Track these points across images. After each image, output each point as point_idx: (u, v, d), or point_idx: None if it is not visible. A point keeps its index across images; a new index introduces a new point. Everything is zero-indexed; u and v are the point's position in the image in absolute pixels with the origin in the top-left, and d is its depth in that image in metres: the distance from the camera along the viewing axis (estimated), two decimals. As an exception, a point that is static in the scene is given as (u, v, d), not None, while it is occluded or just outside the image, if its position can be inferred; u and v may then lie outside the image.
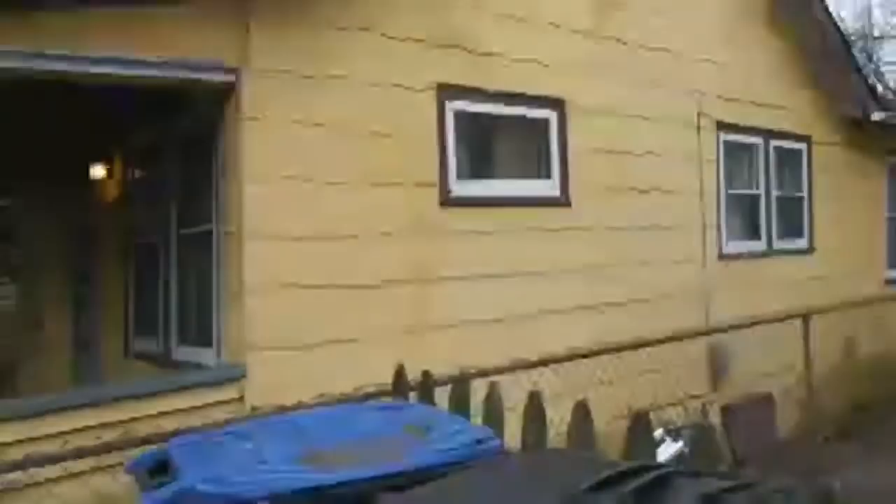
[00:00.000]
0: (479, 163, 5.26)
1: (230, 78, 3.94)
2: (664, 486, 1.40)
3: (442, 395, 3.07)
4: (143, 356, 5.40)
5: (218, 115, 4.17)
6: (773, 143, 7.50)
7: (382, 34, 4.51)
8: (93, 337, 6.49)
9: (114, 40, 3.59)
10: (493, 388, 2.55)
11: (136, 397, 3.51)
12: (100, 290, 6.50)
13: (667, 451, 3.97)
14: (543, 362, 4.35)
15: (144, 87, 3.90)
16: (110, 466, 2.96)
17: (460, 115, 4.92)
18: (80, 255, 6.84)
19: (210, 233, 4.34)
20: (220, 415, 3.36)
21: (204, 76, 3.90)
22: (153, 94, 4.16)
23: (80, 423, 3.29)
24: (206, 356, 4.27)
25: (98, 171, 6.46)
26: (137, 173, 5.99)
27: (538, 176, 5.48)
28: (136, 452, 2.47)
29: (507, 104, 5.20)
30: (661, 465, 1.53)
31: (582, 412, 2.07)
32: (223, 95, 4.05)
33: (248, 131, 3.94)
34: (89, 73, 3.56)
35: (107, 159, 6.34)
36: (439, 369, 3.30)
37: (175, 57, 3.75)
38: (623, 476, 1.39)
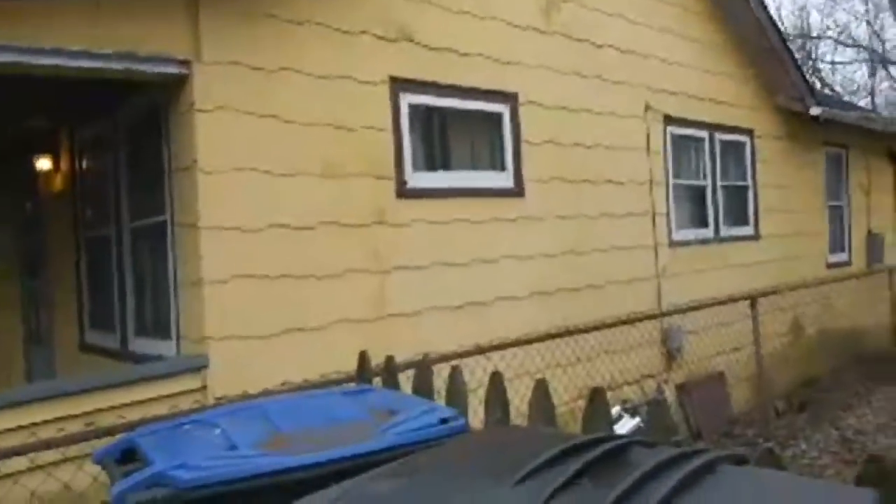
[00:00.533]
0: (434, 155, 5.32)
1: (181, 70, 3.89)
2: (622, 455, 1.48)
3: (406, 382, 3.15)
4: (99, 350, 5.31)
5: (169, 106, 4.13)
6: (718, 135, 7.76)
7: (335, 28, 4.51)
8: (45, 332, 6.35)
9: (60, 31, 3.51)
10: (455, 370, 2.63)
11: (99, 389, 3.48)
12: (51, 284, 6.35)
13: (625, 427, 4.12)
14: (503, 346, 4.47)
15: (92, 78, 3.82)
16: (77, 458, 2.95)
17: (415, 109, 4.97)
18: (28, 250, 6.67)
19: (164, 224, 4.30)
20: (183, 405, 3.36)
21: (154, 68, 3.84)
22: (101, 85, 4.08)
23: (42, 417, 3.24)
24: (164, 348, 4.24)
25: (44, 163, 6.30)
26: (86, 165, 5.86)
27: (492, 168, 5.57)
28: (101, 443, 2.47)
29: (460, 98, 5.27)
30: (618, 437, 1.61)
31: (541, 390, 2.16)
32: (174, 87, 4.00)
33: (201, 123, 3.91)
34: (32, 64, 3.47)
35: (53, 151, 6.19)
36: (402, 356, 3.37)
37: (124, 49, 3.69)
38: (582, 447, 1.46)
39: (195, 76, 3.91)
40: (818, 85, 22.31)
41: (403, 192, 4.82)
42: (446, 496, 1.37)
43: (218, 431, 2.13)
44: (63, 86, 4.07)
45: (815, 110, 8.39)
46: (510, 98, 5.57)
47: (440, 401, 2.69)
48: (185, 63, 3.90)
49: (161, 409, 3.31)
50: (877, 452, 5.44)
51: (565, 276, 5.82)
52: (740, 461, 1.48)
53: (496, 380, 2.43)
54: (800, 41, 24.50)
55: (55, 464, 3.06)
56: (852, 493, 1.43)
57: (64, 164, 6.08)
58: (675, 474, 1.28)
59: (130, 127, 4.89)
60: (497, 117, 5.54)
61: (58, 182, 6.18)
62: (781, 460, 1.78)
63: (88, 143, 5.74)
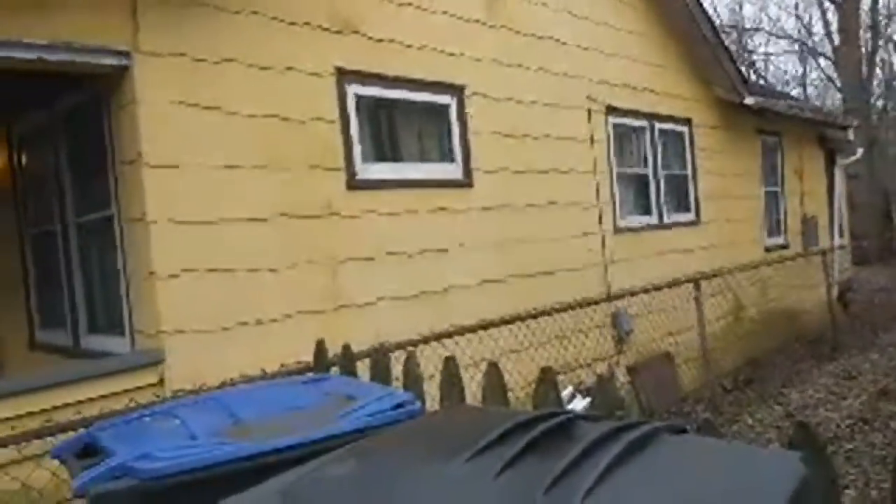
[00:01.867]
0: (384, 147, 5.36)
1: (120, 61, 3.83)
2: (568, 429, 1.57)
3: (364, 371, 3.20)
4: (51, 348, 5.21)
5: (111, 99, 4.06)
6: (658, 125, 8.01)
7: (278, 18, 4.50)
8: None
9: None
10: (410, 356, 2.70)
11: (55, 386, 3.43)
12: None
13: (577, 407, 4.26)
14: (456, 332, 4.55)
15: (28, 70, 3.73)
16: (34, 456, 2.92)
17: (362, 100, 4.99)
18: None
19: (111, 219, 4.24)
20: (141, 399, 3.35)
21: (91, 59, 3.76)
22: (39, 77, 3.99)
23: (-4, 415, 3.20)
24: (118, 344, 4.19)
25: (-19, 158, 6.10)
26: (27, 160, 5.71)
27: (441, 159, 5.64)
28: (58, 440, 2.46)
29: (407, 89, 5.32)
30: (564, 412, 1.70)
31: (494, 373, 2.24)
32: (114, 79, 3.94)
33: (144, 116, 3.86)
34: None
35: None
36: (358, 346, 3.43)
37: (61, 40, 3.62)
38: (530, 423, 1.54)
39: (135, 68, 3.85)
40: (753, 76, 23.08)
41: (354, 183, 4.86)
42: (399, 475, 1.43)
43: (178, 422, 2.15)
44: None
45: (749, 100, 8.73)
46: (457, 90, 5.65)
47: (398, 387, 2.76)
48: (124, 54, 3.83)
49: (119, 405, 3.30)
50: (812, 423, 5.75)
51: (516, 264, 5.95)
52: (680, 431, 1.59)
53: (450, 364, 2.51)
54: (735, 34, 25.26)
55: (12, 463, 3.02)
56: (781, 455, 1.56)
57: (2, 160, 5.91)
58: (617, 444, 1.37)
59: (72, 120, 4.79)
60: (444, 109, 5.61)
61: (-3, 178, 6.00)
62: (720, 430, 1.91)
63: (28, 137, 5.58)
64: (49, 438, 2.78)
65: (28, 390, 3.40)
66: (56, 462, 2.22)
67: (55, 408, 3.34)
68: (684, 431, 1.59)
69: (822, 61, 26.16)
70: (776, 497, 1.15)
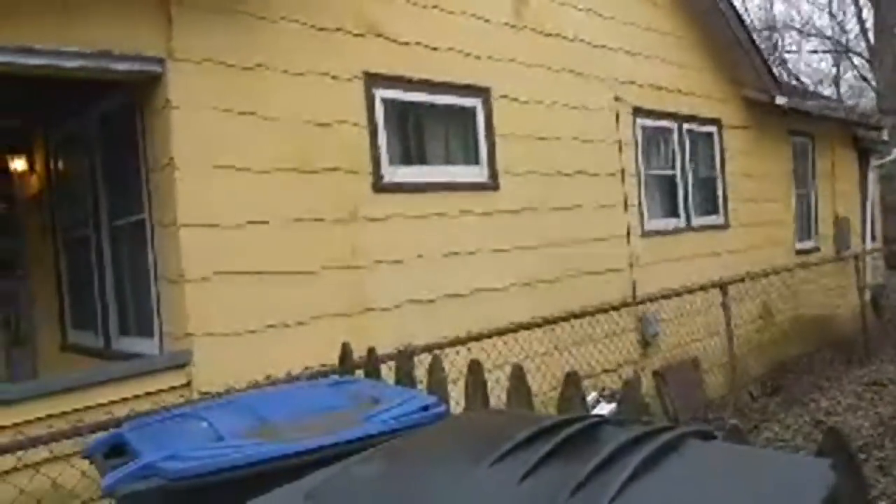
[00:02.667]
0: (410, 150, 5.38)
1: (154, 68, 3.91)
2: (594, 433, 1.56)
3: (388, 373, 3.22)
4: (82, 349, 5.31)
5: (144, 105, 4.14)
6: (686, 126, 7.91)
7: (308, 24, 4.55)
8: (26, 334, 6.32)
9: (30, 30, 3.50)
10: (435, 360, 2.70)
11: (85, 387, 3.51)
12: (30, 285, 6.31)
13: (602, 412, 4.22)
14: (481, 336, 4.54)
15: (65, 78, 3.82)
16: (65, 455, 2.98)
17: (389, 103, 5.02)
18: (6, 251, 6.60)
19: (143, 223, 4.31)
20: (169, 401, 3.40)
21: (126, 66, 3.84)
22: (75, 84, 4.08)
23: (29, 416, 3.27)
24: (147, 346, 4.26)
25: (18, 163, 6.25)
26: (62, 165, 5.83)
27: (467, 161, 5.64)
28: (88, 440, 2.51)
29: (433, 92, 5.33)
30: (590, 416, 1.69)
31: (518, 376, 2.24)
32: (148, 85, 4.01)
33: (176, 122, 3.93)
34: (6, 62, 3.46)
35: (27, 151, 6.15)
36: (382, 349, 3.44)
37: (96, 48, 3.69)
38: (556, 427, 1.54)
39: (169, 74, 3.92)
40: (784, 75, 22.71)
41: (380, 186, 4.88)
42: (424, 478, 1.43)
43: (205, 424, 2.18)
44: (36, 85, 4.06)
45: (780, 100, 8.58)
46: (483, 92, 5.65)
47: (422, 390, 2.76)
48: (158, 61, 3.91)
49: (147, 406, 3.35)
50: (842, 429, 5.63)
51: (541, 268, 5.92)
52: (707, 436, 1.57)
53: (475, 367, 2.50)
54: (766, 32, 24.90)
55: (43, 462, 3.09)
56: (810, 462, 1.54)
57: (39, 165, 6.05)
58: (644, 449, 1.36)
59: (106, 126, 4.88)
60: (470, 111, 5.61)
61: (33, 182, 6.15)
62: (747, 437, 1.88)
63: (63, 143, 5.71)
64: (79, 438, 2.83)
65: (60, 391, 3.48)
66: (86, 461, 2.26)
67: (86, 408, 3.40)
68: (712, 437, 1.57)
69: (856, 60, 25.68)
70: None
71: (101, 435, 2.51)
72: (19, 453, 2.85)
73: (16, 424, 3.21)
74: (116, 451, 2.15)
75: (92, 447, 2.22)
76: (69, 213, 5.62)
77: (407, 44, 5.12)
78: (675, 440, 1.44)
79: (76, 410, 3.36)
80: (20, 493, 3.03)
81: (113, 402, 3.46)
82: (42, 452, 2.99)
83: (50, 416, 3.30)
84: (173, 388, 3.72)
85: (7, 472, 3.02)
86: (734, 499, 1.19)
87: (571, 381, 2.08)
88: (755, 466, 1.36)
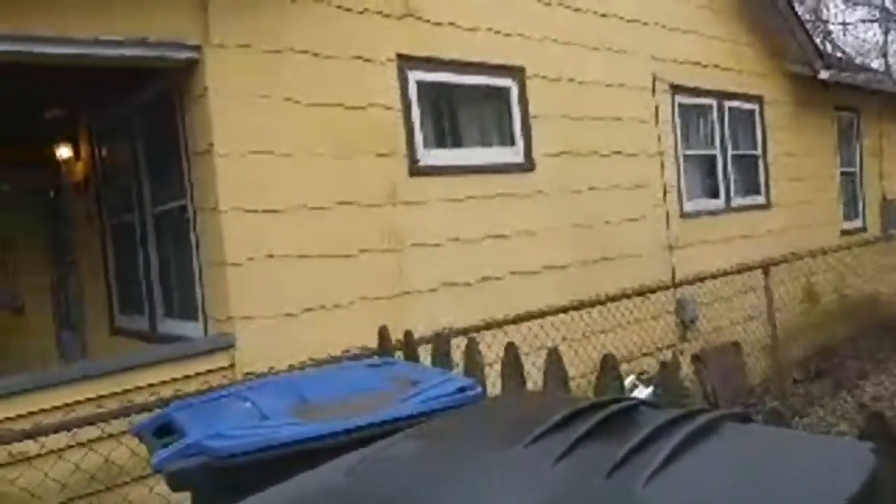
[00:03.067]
0: (444, 132, 5.37)
1: (192, 55, 3.96)
2: (630, 416, 1.56)
3: (425, 356, 3.25)
4: (129, 333, 5.47)
5: (183, 91, 4.21)
6: (727, 103, 7.72)
7: (341, 6, 4.56)
8: (76, 317, 6.53)
9: (68, 20, 3.57)
10: (471, 343, 2.72)
11: (133, 368, 3.62)
12: (80, 270, 6.52)
13: (639, 396, 4.21)
14: (517, 320, 4.55)
15: (104, 67, 3.90)
16: (115, 434, 3.10)
17: (423, 86, 5.01)
18: (56, 238, 6.82)
19: (185, 208, 4.41)
20: (213, 382, 3.49)
21: (164, 54, 3.90)
22: (115, 73, 4.17)
23: (79, 396, 3.39)
24: (192, 329, 4.37)
25: (64, 151, 6.43)
26: (106, 152, 5.98)
27: (502, 143, 5.61)
28: (137, 419, 2.60)
29: (467, 73, 5.30)
30: (627, 399, 1.70)
31: (554, 358, 2.25)
32: (187, 72, 4.07)
33: (215, 108, 3.98)
34: (41, 53, 3.53)
35: (72, 140, 6.31)
36: (419, 332, 3.48)
37: (134, 36, 3.76)
38: (592, 409, 1.54)
39: (206, 60, 3.98)
40: (829, 47, 21.96)
41: (415, 169, 4.89)
42: (461, 458, 1.45)
43: (248, 404, 2.25)
44: (78, 74, 4.15)
45: (823, 74, 8.32)
46: (517, 72, 5.60)
47: (458, 373, 2.79)
48: (195, 48, 3.96)
49: (193, 387, 3.45)
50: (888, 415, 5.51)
51: (577, 250, 5.89)
52: (745, 419, 1.56)
53: (511, 350, 2.52)
54: (809, 2, 24.07)
55: (95, 440, 3.22)
56: (852, 445, 1.52)
57: (84, 152, 6.20)
58: (681, 431, 1.36)
59: (147, 114, 4.98)
60: (505, 92, 5.58)
61: (79, 170, 6.31)
62: (788, 420, 1.87)
63: (107, 131, 5.84)
64: (128, 418, 2.94)
65: (109, 372, 3.60)
66: (135, 440, 2.35)
67: (133, 389, 3.52)
68: (750, 420, 1.57)
69: (905, 30, 24.70)
70: (844, 487, 1.12)
71: (149, 414, 2.60)
72: (74, 431, 2.97)
73: (66, 405, 3.33)
74: (164, 430, 2.23)
75: (141, 426, 2.30)
76: (114, 200, 5.77)
77: (439, 24, 5.09)
78: (712, 423, 1.43)
79: (125, 391, 3.48)
80: (76, 469, 3.17)
81: (159, 384, 3.57)
82: (93, 431, 3.11)
83: (99, 397, 3.42)
84: (218, 369, 3.82)
85: (63, 450, 3.16)
86: (771, 480, 1.19)
87: (608, 363, 2.08)
88: (793, 449, 1.35)
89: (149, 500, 3.30)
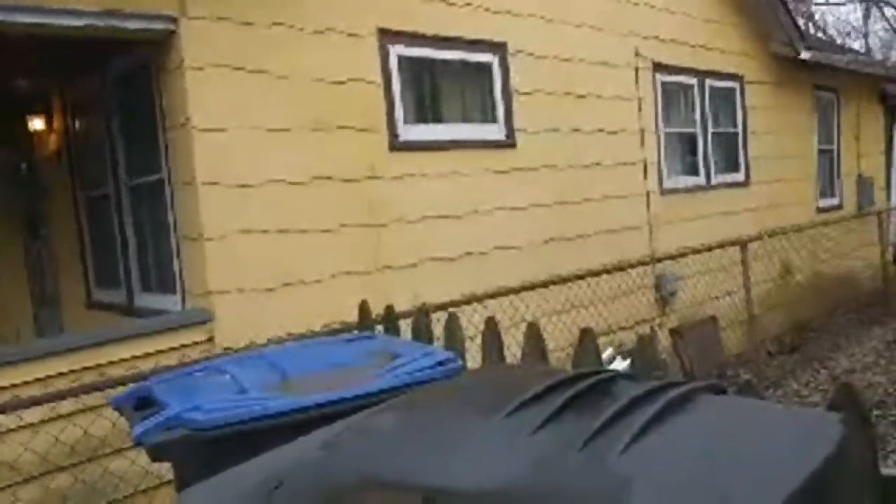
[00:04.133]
0: (425, 107, 5.35)
1: (168, 26, 3.90)
2: (607, 388, 1.58)
3: (406, 330, 3.26)
4: (106, 306, 5.42)
5: (159, 64, 4.14)
6: (708, 82, 7.76)
7: (320, -20, 4.50)
8: (52, 292, 6.46)
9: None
10: (451, 317, 2.74)
11: (110, 342, 3.61)
12: (55, 244, 6.42)
13: (617, 368, 4.26)
14: (498, 294, 4.58)
15: (79, 37, 3.82)
16: (95, 407, 3.09)
17: (404, 60, 4.97)
18: (29, 211, 6.71)
19: (161, 182, 4.36)
20: (192, 356, 3.49)
21: (139, 25, 3.84)
22: (89, 44, 4.08)
23: (56, 370, 3.38)
24: (170, 302, 4.35)
25: (37, 123, 6.29)
26: (80, 125, 5.87)
27: (484, 119, 5.60)
28: (115, 393, 2.59)
29: (449, 48, 5.27)
30: (603, 371, 1.72)
31: (533, 332, 2.26)
32: (163, 44, 4.01)
33: (192, 80, 3.93)
34: (11, 22, 3.46)
35: (45, 112, 6.18)
36: (400, 307, 3.48)
37: (106, 7, 3.68)
38: (569, 381, 1.56)
39: (183, 32, 3.92)
40: (811, 28, 22.09)
41: (396, 145, 4.87)
42: (439, 429, 1.46)
43: (228, 377, 2.24)
44: (50, 45, 4.07)
45: (805, 54, 8.37)
46: (499, 48, 5.57)
47: (439, 347, 2.81)
48: (171, 19, 3.90)
49: (171, 361, 3.44)
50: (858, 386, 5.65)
51: (559, 226, 5.91)
52: (718, 391, 1.59)
53: (491, 324, 2.54)
54: (793, -18, 24.11)
55: (75, 413, 3.21)
56: (820, 415, 1.55)
57: (58, 125, 6.08)
58: (655, 403, 1.38)
59: (122, 85, 4.90)
60: (487, 68, 5.55)
61: (52, 142, 6.20)
62: (761, 392, 1.91)
63: (81, 102, 5.73)
64: (106, 391, 2.93)
65: (85, 346, 3.58)
66: (115, 413, 2.34)
67: (110, 363, 3.51)
68: (724, 392, 1.59)
69: (887, 11, 24.88)
70: (813, 456, 1.15)
71: (129, 387, 2.59)
72: (52, 404, 2.95)
73: (43, 378, 3.31)
74: (144, 402, 2.22)
75: (120, 398, 2.30)
76: (89, 173, 5.68)
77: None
78: (686, 394, 1.45)
79: (100, 365, 3.47)
80: (56, 442, 3.16)
81: (137, 357, 3.56)
82: (73, 405, 3.10)
83: (74, 371, 3.41)
84: (196, 343, 3.81)
85: (43, 423, 3.15)
86: (742, 450, 1.21)
87: (587, 337, 2.10)
88: (764, 419, 1.38)
89: (130, 471, 3.31)
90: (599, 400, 1.49)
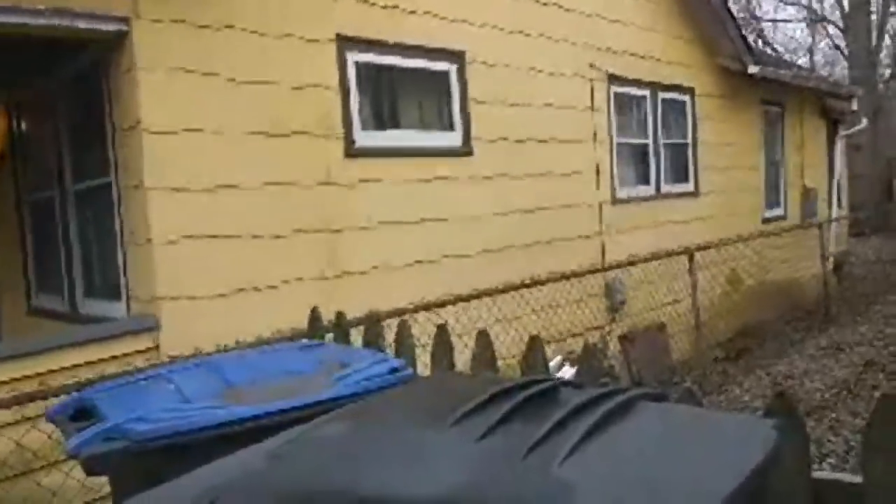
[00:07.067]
0: (383, 114, 5.34)
1: (119, 27, 3.83)
2: (551, 396, 1.60)
3: (357, 338, 3.24)
4: (48, 313, 5.27)
5: (110, 65, 4.06)
6: (660, 94, 7.95)
7: (279, -17, 4.47)
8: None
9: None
10: (402, 324, 2.73)
11: (50, 350, 3.50)
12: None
13: (566, 375, 4.31)
14: (450, 301, 4.58)
15: (26, 35, 3.72)
16: (29, 418, 2.98)
17: (362, 67, 4.96)
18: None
19: (109, 185, 4.26)
20: (136, 364, 3.40)
21: (90, 25, 3.76)
22: (37, 43, 3.97)
23: (-8, 379, 3.26)
24: (114, 309, 4.24)
25: (-22, 124, 6.08)
26: (25, 126, 5.70)
27: (441, 127, 5.62)
28: (54, 403, 2.51)
29: (407, 56, 5.28)
30: (549, 379, 1.74)
31: (484, 340, 2.28)
32: (114, 45, 3.93)
33: (144, 82, 3.86)
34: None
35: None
36: (353, 314, 3.46)
37: (60, 5, 3.60)
38: (515, 389, 1.58)
39: (135, 34, 3.85)
40: (760, 43, 22.79)
41: (352, 151, 4.85)
42: (385, 438, 1.46)
43: (172, 386, 2.19)
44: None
45: (752, 69, 8.64)
46: (457, 57, 5.61)
47: (391, 354, 2.79)
48: (123, 20, 3.83)
49: (114, 369, 3.34)
50: (798, 393, 5.81)
51: (513, 234, 5.97)
52: (659, 398, 1.62)
53: (442, 332, 2.54)
54: (742, 0, 24.88)
55: (8, 425, 3.08)
56: (754, 422, 1.60)
57: (1, 125, 5.89)
58: (597, 411, 1.41)
59: (72, 87, 4.78)
60: (444, 76, 5.58)
61: (-6, 143, 5.99)
62: (700, 399, 1.95)
63: (27, 103, 5.58)
64: (45, 401, 2.83)
65: (24, 354, 3.47)
66: (51, 425, 2.26)
67: (51, 371, 3.40)
68: (664, 399, 1.63)
69: (831, 29, 25.83)
70: (745, 462, 1.18)
71: (65, 397, 2.51)
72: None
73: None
74: (82, 413, 2.15)
75: (56, 409, 2.22)
76: (33, 176, 5.53)
77: (383, 7, 5.04)
78: (627, 402, 1.48)
79: (40, 374, 3.35)
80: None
81: (79, 366, 3.45)
82: (7, 415, 2.99)
83: (14, 380, 3.29)
84: (140, 351, 3.72)
85: (-29, 435, 3.02)
86: (678, 456, 1.24)
87: (534, 344, 2.12)
88: (702, 426, 1.41)
89: (65, 486, 3.20)
90: (544, 408, 1.50)
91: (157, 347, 3.79)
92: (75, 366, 3.45)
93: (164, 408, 2.02)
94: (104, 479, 2.00)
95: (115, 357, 3.61)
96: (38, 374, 3.33)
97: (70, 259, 4.92)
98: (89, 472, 1.90)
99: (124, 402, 2.08)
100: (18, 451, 3.13)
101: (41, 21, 3.59)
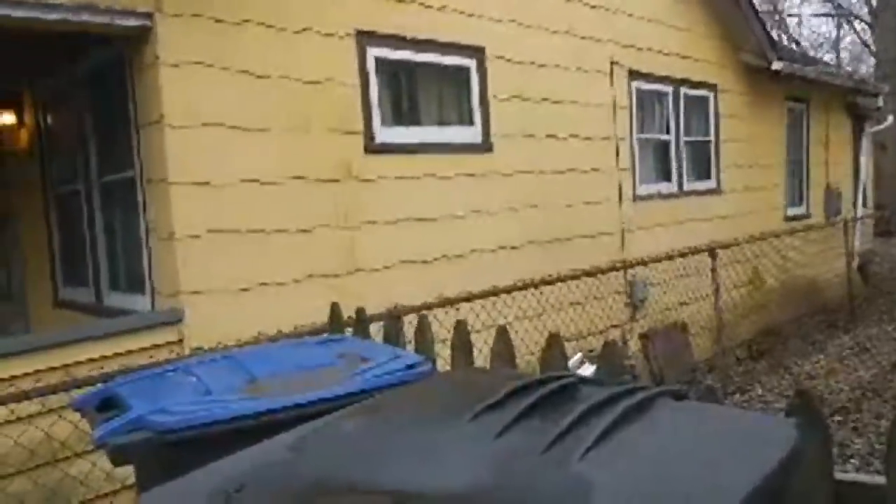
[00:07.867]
0: (402, 110, 5.34)
1: (142, 22, 3.86)
2: (571, 392, 1.60)
3: (377, 333, 3.26)
4: (74, 305, 5.34)
5: (133, 60, 4.10)
6: (683, 90, 7.87)
7: (299, -21, 4.49)
8: (18, 289, 6.34)
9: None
10: (422, 320, 2.74)
11: (77, 342, 3.55)
12: (21, 241, 6.32)
13: (586, 372, 4.29)
14: (470, 298, 4.58)
15: (52, 31, 3.77)
16: (56, 409, 3.03)
17: (382, 62, 4.97)
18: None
19: (133, 179, 4.31)
20: (160, 357, 3.45)
21: (114, 21, 3.80)
22: (62, 39, 4.03)
23: (20, 370, 3.32)
24: (139, 302, 4.30)
25: (7, 118, 6.19)
26: (52, 120, 5.79)
27: (460, 122, 5.62)
28: (80, 393, 2.55)
29: (427, 51, 5.28)
30: (568, 375, 1.74)
31: (503, 337, 2.28)
32: (137, 40, 3.97)
33: (166, 77, 3.90)
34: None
35: (16, 106, 6.08)
36: (372, 309, 3.48)
37: (84, 1, 3.64)
38: (534, 385, 1.58)
39: (158, 29, 3.88)
40: (784, 39, 22.49)
41: (371, 147, 4.87)
42: (404, 432, 1.47)
43: (194, 379, 2.22)
44: (22, 39, 4.01)
45: (776, 65, 8.53)
46: (477, 52, 5.60)
47: (410, 350, 2.81)
48: (146, 15, 3.86)
49: (139, 361, 3.39)
50: (821, 393, 5.74)
51: (532, 231, 5.95)
52: (679, 396, 1.62)
53: (461, 328, 2.54)
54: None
55: (36, 415, 3.15)
56: (776, 421, 1.59)
57: (28, 119, 5.99)
58: (616, 408, 1.41)
59: (95, 81, 4.84)
60: (465, 72, 5.57)
61: (23, 137, 6.10)
62: (722, 397, 1.94)
63: (53, 97, 5.65)
64: (70, 392, 2.88)
65: (51, 346, 3.52)
66: (77, 415, 2.30)
67: (77, 363, 3.46)
68: (685, 397, 1.62)
69: (857, 24, 25.41)
70: (765, 461, 1.18)
71: (92, 388, 2.55)
72: (11, 406, 2.90)
73: (6, 379, 3.25)
74: (108, 404, 2.18)
75: (82, 400, 2.26)
76: (59, 169, 5.60)
77: (402, 1, 5.05)
78: (647, 399, 1.48)
79: (67, 365, 3.41)
80: (14, 444, 3.10)
81: (104, 358, 3.50)
82: (34, 406, 3.05)
83: (39, 371, 3.35)
84: (164, 344, 3.77)
85: (1, 425, 3.08)
86: (698, 454, 1.24)
87: (553, 341, 2.12)
88: (722, 424, 1.41)
89: (91, 475, 3.26)
90: (563, 404, 1.50)
91: (180, 340, 3.84)
92: (101, 358, 3.50)
93: (187, 400, 2.05)
94: (129, 468, 2.03)
95: (139, 350, 3.65)
96: (63, 366, 3.39)
97: (95, 252, 4.99)
98: (115, 462, 1.93)
99: (148, 394, 2.12)
100: (47, 441, 3.19)
101: (67, 16, 3.63)
